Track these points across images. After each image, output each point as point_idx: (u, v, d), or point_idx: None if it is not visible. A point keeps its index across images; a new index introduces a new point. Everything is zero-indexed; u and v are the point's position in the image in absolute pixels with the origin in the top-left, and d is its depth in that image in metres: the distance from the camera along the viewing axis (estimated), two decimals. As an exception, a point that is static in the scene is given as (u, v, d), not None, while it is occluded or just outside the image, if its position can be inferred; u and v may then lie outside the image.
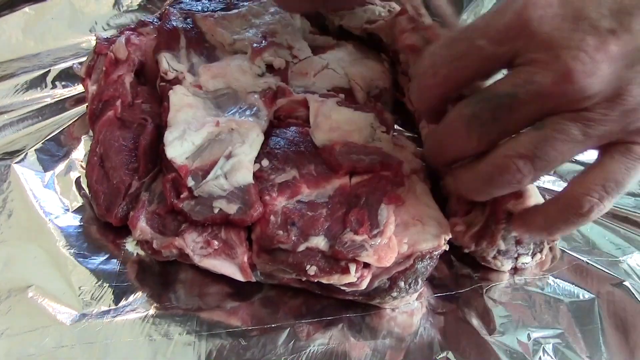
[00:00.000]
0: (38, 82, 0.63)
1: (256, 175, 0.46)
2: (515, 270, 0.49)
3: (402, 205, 0.45)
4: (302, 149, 0.48)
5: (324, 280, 0.42)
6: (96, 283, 0.46)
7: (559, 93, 0.34)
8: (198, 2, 0.65)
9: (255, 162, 0.47)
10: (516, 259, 0.48)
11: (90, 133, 0.55)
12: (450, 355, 0.42)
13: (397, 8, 0.62)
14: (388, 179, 0.46)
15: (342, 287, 0.43)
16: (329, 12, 0.64)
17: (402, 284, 0.43)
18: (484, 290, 0.47)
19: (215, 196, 0.44)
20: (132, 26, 0.61)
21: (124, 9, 0.73)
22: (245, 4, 0.64)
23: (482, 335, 0.44)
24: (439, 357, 0.42)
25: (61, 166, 0.54)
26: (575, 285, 0.48)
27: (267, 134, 0.49)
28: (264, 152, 0.48)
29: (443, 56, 0.38)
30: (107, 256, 0.48)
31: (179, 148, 0.47)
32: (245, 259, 0.44)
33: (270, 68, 0.56)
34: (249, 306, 0.45)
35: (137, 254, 0.48)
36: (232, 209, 0.44)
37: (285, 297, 0.46)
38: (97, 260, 0.47)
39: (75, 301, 0.44)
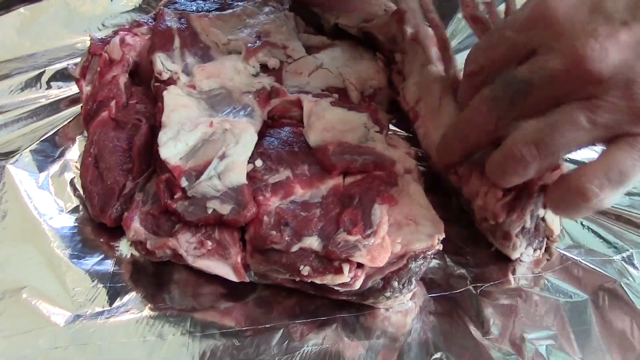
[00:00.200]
0: (33, 83, 0.63)
1: (250, 176, 0.46)
2: (518, 259, 0.49)
3: (395, 205, 0.45)
4: (295, 149, 0.48)
5: (318, 281, 0.42)
6: (90, 284, 0.45)
7: (569, 77, 0.36)
8: (192, 3, 0.65)
9: (249, 162, 0.47)
10: (527, 246, 0.48)
11: (85, 134, 0.55)
12: (444, 356, 0.43)
13: (393, 7, 0.62)
14: (381, 179, 0.46)
15: (336, 287, 0.43)
16: (327, 10, 0.64)
17: (395, 284, 0.43)
18: (478, 290, 0.47)
19: (209, 196, 0.44)
20: (127, 27, 0.61)
21: (119, 9, 0.73)
22: (239, 4, 0.64)
23: (475, 336, 0.44)
24: (433, 357, 0.42)
25: (56, 167, 0.54)
26: (569, 285, 0.48)
27: (261, 134, 0.50)
28: (258, 152, 0.48)
29: (481, 47, 0.42)
30: (101, 257, 0.48)
31: (172, 148, 0.47)
32: (239, 259, 0.44)
33: (264, 68, 0.56)
34: (243, 306, 0.45)
35: (132, 254, 0.48)
36: (225, 209, 0.44)
37: (279, 297, 0.46)
38: (92, 261, 0.47)
39: (70, 302, 0.44)
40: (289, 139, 0.49)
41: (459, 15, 0.73)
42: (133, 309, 0.44)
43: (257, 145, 0.48)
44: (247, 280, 0.45)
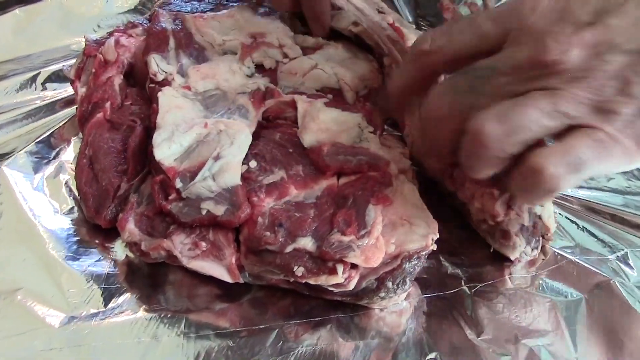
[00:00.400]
0: (28, 84, 0.63)
1: (244, 177, 0.46)
2: (517, 259, 0.49)
3: (389, 206, 0.45)
4: (290, 150, 0.48)
5: (312, 281, 0.42)
6: (85, 285, 0.46)
7: (532, 66, 0.37)
8: (188, 3, 0.65)
9: (243, 163, 0.47)
10: (526, 245, 0.48)
11: (80, 135, 0.55)
12: (438, 356, 0.43)
13: (385, 8, 0.62)
14: (376, 179, 0.46)
15: (330, 288, 0.43)
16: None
17: (389, 284, 0.43)
18: (472, 291, 0.47)
19: (203, 197, 0.44)
20: (122, 28, 0.61)
21: (114, 11, 0.73)
22: (234, 4, 0.64)
23: (469, 336, 0.44)
24: (427, 357, 0.43)
25: (51, 168, 0.54)
26: (564, 285, 0.48)
27: (256, 135, 0.50)
28: (252, 153, 0.48)
29: (444, 31, 0.43)
30: (96, 258, 0.48)
31: (167, 150, 0.47)
32: (233, 260, 0.44)
33: (259, 68, 0.56)
34: (238, 307, 0.45)
35: (126, 255, 0.48)
36: (219, 210, 0.44)
37: (274, 298, 0.46)
38: (86, 262, 0.47)
39: (64, 303, 0.44)
40: (283, 139, 0.49)
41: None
42: (128, 310, 0.44)
43: (252, 146, 0.48)
44: (241, 281, 0.45)
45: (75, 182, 0.51)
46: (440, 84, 0.42)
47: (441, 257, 0.49)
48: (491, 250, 0.50)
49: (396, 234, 0.44)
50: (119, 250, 0.48)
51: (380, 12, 0.60)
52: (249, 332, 0.43)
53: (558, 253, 0.50)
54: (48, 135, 0.57)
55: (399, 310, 0.46)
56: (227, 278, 0.44)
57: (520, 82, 0.38)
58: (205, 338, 0.43)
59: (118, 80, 0.55)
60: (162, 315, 0.44)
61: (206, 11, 0.63)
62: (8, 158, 0.54)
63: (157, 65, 0.54)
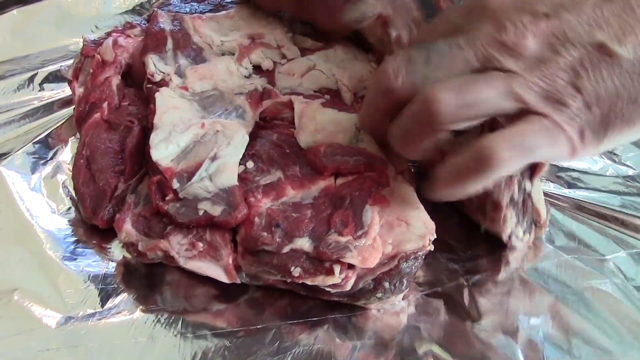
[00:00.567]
0: (26, 84, 0.63)
1: (241, 177, 0.46)
2: (507, 246, 0.49)
3: (387, 206, 0.45)
4: (287, 151, 0.48)
5: (309, 282, 0.42)
6: (82, 285, 0.46)
7: (491, 42, 0.40)
8: (186, 4, 0.65)
9: (240, 163, 0.47)
10: (517, 224, 0.48)
11: (78, 135, 0.55)
12: (437, 350, 0.43)
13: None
14: (373, 179, 0.46)
15: (327, 289, 0.43)
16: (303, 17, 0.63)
17: (386, 284, 0.43)
18: (470, 283, 0.47)
19: (200, 198, 0.44)
20: (120, 28, 0.61)
21: (112, 11, 0.73)
22: (233, 6, 0.64)
23: (468, 328, 0.44)
24: (426, 353, 0.43)
25: (48, 169, 0.54)
26: (561, 280, 0.48)
27: (253, 135, 0.50)
28: (249, 153, 0.48)
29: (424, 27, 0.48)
30: (93, 259, 0.48)
31: (164, 150, 0.47)
32: (230, 260, 0.44)
33: (257, 69, 0.56)
34: (235, 308, 0.45)
35: (123, 256, 0.48)
36: (216, 210, 0.44)
37: (271, 299, 0.46)
38: (83, 262, 0.47)
39: (61, 304, 0.44)
40: (280, 140, 0.49)
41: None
42: (125, 310, 0.44)
43: (249, 146, 0.48)
44: (238, 281, 0.45)
45: (73, 183, 0.51)
46: (396, 54, 0.42)
47: (438, 255, 0.49)
48: (481, 231, 0.50)
49: (393, 234, 0.44)
50: (116, 251, 0.48)
51: None
52: (246, 332, 0.43)
53: (555, 251, 0.50)
54: (45, 136, 0.58)
55: (396, 309, 0.46)
56: (224, 278, 0.44)
57: (478, 59, 0.40)
58: (202, 338, 0.43)
59: (116, 80, 0.55)
60: (159, 316, 0.44)
61: (205, 12, 0.63)
62: (5, 158, 0.54)
63: (155, 65, 0.54)
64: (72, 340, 0.42)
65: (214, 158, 0.46)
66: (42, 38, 0.69)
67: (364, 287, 0.43)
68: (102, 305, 0.44)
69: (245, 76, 0.55)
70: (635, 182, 0.57)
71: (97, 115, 0.52)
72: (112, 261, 0.48)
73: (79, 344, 0.42)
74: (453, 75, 0.40)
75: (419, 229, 0.44)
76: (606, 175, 0.57)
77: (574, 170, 0.58)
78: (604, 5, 0.39)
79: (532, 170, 0.47)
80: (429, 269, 0.48)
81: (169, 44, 0.56)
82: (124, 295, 0.45)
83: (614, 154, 0.59)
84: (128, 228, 0.46)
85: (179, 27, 0.58)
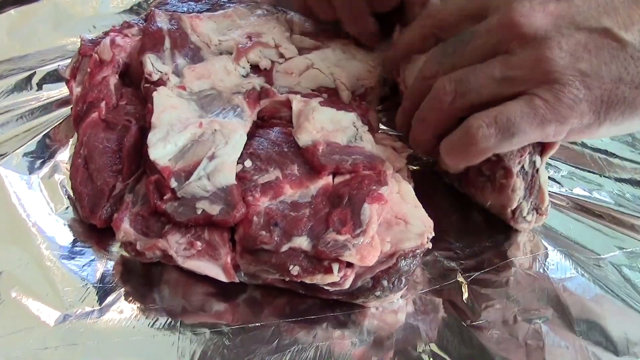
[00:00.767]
0: (23, 84, 0.63)
1: (239, 176, 0.46)
2: (513, 218, 0.49)
3: (385, 204, 0.45)
4: (285, 150, 0.48)
5: (307, 280, 0.42)
6: (80, 284, 0.46)
7: (500, 29, 0.42)
8: (184, 4, 0.65)
9: (238, 162, 0.47)
10: (524, 198, 0.49)
11: (76, 135, 0.55)
12: (436, 347, 0.43)
13: None
14: (371, 178, 0.46)
15: (326, 287, 0.43)
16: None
17: (385, 283, 0.43)
18: (468, 280, 0.47)
19: (198, 197, 0.44)
20: (118, 28, 0.61)
21: (110, 11, 0.73)
22: (231, 5, 0.64)
23: (467, 324, 0.44)
24: (425, 350, 0.43)
25: (46, 168, 0.54)
26: (558, 280, 0.48)
27: (251, 134, 0.50)
28: (247, 152, 0.48)
29: (437, 7, 0.51)
30: (91, 257, 0.48)
31: (162, 149, 0.47)
32: (229, 259, 0.44)
33: (255, 68, 0.56)
34: (234, 306, 0.45)
35: (122, 255, 0.48)
36: (215, 209, 0.44)
37: (270, 297, 0.46)
38: (81, 261, 0.47)
39: (59, 302, 0.44)
40: (278, 139, 0.49)
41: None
42: (123, 309, 0.44)
43: (247, 145, 0.48)
44: (237, 280, 0.45)
45: (71, 182, 0.51)
46: (434, 47, 0.47)
47: (436, 253, 0.49)
48: (487, 205, 0.51)
49: (392, 233, 0.44)
50: (114, 250, 0.48)
51: None
52: (245, 331, 0.43)
53: (553, 250, 0.50)
54: (43, 136, 0.58)
55: (395, 307, 0.46)
56: (223, 277, 0.44)
57: (491, 45, 0.43)
58: (201, 336, 0.43)
59: (113, 80, 0.55)
60: (157, 314, 0.44)
61: (202, 11, 0.63)
62: (3, 158, 0.54)
63: (153, 65, 0.54)
64: (70, 339, 0.42)
65: (212, 157, 0.46)
66: (40, 38, 0.69)
67: (362, 285, 0.43)
68: (100, 304, 0.44)
69: (243, 75, 0.55)
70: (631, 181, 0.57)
71: (94, 115, 0.52)
72: (110, 260, 0.48)
73: (77, 342, 0.42)
74: (474, 60, 0.43)
75: (417, 227, 0.44)
76: (604, 175, 0.57)
77: (571, 167, 0.58)
78: None
79: (543, 146, 0.48)
80: (427, 267, 0.48)
81: (167, 43, 0.56)
82: (122, 294, 0.45)
83: (613, 154, 0.59)
84: (126, 227, 0.45)
85: (176, 27, 0.58)
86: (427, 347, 0.43)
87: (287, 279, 0.43)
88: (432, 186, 0.53)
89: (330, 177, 0.47)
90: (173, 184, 0.45)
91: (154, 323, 0.43)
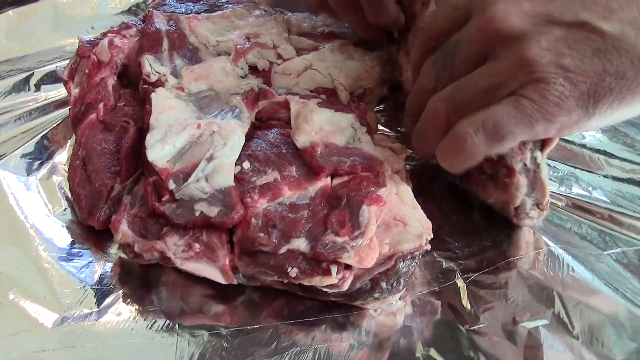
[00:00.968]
0: (22, 85, 0.63)
1: (237, 178, 0.46)
2: (516, 214, 0.49)
3: (383, 206, 0.45)
4: (283, 151, 0.48)
5: (306, 282, 0.42)
6: (78, 286, 0.45)
7: (481, 36, 0.42)
8: (182, 4, 0.65)
9: (236, 164, 0.47)
10: (527, 194, 0.48)
11: (74, 136, 0.55)
12: (434, 351, 0.43)
13: None
14: (369, 179, 0.46)
15: (324, 289, 0.43)
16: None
17: (383, 284, 0.43)
18: (467, 282, 0.47)
19: (197, 199, 0.44)
20: (116, 29, 0.61)
21: (108, 12, 0.73)
22: (229, 6, 0.64)
23: (465, 328, 0.44)
24: (423, 354, 0.42)
25: (44, 170, 0.54)
26: (557, 280, 0.48)
27: (249, 135, 0.50)
28: (245, 154, 0.48)
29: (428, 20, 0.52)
30: (89, 259, 0.48)
31: (160, 151, 0.47)
32: (227, 261, 0.44)
33: (253, 69, 0.56)
34: (232, 308, 0.45)
35: (120, 256, 0.48)
36: (213, 211, 0.44)
37: (268, 299, 0.46)
38: (80, 263, 0.47)
39: (57, 304, 0.44)
40: (276, 140, 0.49)
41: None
42: (121, 311, 0.44)
43: (245, 147, 0.48)
44: (235, 282, 0.45)
45: (69, 184, 0.51)
46: (427, 60, 0.47)
47: (435, 253, 0.49)
48: (489, 202, 0.50)
49: (390, 234, 0.44)
50: (112, 251, 0.48)
51: None
52: (244, 333, 0.43)
53: (552, 248, 0.50)
54: (41, 137, 0.58)
55: (393, 309, 0.46)
56: (221, 279, 0.44)
57: (476, 53, 0.43)
58: (199, 338, 0.43)
59: (111, 81, 0.55)
60: (155, 316, 0.44)
61: (200, 12, 0.63)
62: (1, 159, 0.54)
63: (151, 66, 0.54)
64: (68, 341, 0.42)
65: (210, 159, 0.46)
66: (38, 39, 0.69)
67: (361, 287, 0.43)
68: (99, 306, 0.44)
69: (241, 76, 0.55)
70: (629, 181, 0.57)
71: (92, 116, 0.52)
72: (108, 262, 0.48)
73: (75, 344, 0.42)
74: (462, 73, 0.43)
75: (416, 229, 0.44)
76: (602, 175, 0.57)
77: (570, 167, 0.58)
78: None
79: (543, 141, 0.47)
80: (426, 269, 0.48)
81: (165, 44, 0.56)
82: (120, 296, 0.45)
83: (611, 155, 0.59)
84: (124, 229, 0.45)
85: (174, 28, 0.58)
86: (426, 350, 0.43)
87: (286, 280, 0.43)
88: (430, 186, 0.53)
89: (329, 178, 0.47)
90: (171, 185, 0.45)
91: (152, 325, 0.43)
